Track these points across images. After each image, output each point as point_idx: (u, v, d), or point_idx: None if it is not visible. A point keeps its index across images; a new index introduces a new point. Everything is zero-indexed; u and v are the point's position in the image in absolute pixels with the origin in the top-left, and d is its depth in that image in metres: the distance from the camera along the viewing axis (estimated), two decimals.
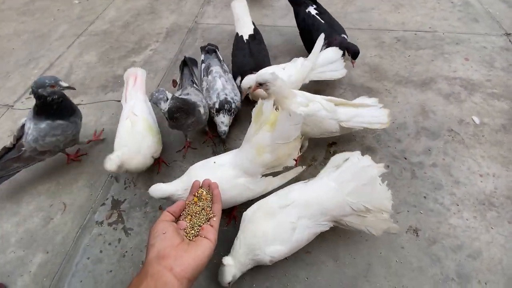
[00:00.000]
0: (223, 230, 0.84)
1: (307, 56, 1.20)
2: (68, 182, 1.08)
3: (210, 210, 0.73)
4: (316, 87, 1.28)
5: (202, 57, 1.32)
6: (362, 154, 0.84)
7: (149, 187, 1.03)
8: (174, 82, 1.38)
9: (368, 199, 0.76)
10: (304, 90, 1.05)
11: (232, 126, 1.15)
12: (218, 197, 0.75)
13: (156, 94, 0.93)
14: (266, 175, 0.88)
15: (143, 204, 1.00)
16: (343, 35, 1.32)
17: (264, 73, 0.93)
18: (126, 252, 0.89)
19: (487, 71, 1.40)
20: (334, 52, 1.24)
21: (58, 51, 1.70)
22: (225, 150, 1.11)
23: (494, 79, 1.36)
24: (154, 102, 0.93)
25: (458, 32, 1.64)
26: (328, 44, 1.25)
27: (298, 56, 1.30)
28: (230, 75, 1.25)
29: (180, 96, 1.00)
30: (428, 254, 0.85)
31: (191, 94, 1.05)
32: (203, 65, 1.28)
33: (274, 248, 0.74)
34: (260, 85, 0.93)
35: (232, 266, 0.74)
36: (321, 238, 0.87)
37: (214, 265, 0.84)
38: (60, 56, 1.67)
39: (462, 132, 1.15)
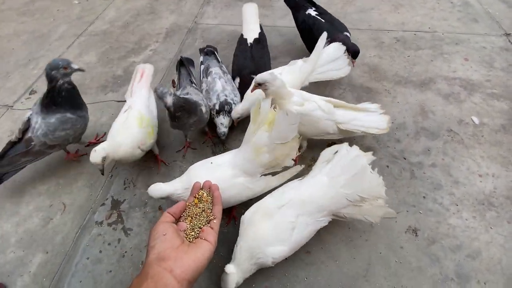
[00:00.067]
0: (223, 231, 0.84)
1: (308, 56, 1.18)
2: (68, 182, 1.08)
3: (210, 212, 0.73)
4: (316, 86, 1.28)
5: (201, 58, 1.32)
6: (370, 164, 0.84)
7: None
8: (174, 82, 1.39)
9: (362, 188, 0.78)
10: (304, 90, 1.05)
11: (232, 126, 1.15)
12: (218, 199, 0.75)
13: (161, 88, 0.92)
14: (265, 175, 0.88)
15: (142, 205, 1.00)
16: (345, 33, 1.31)
17: (264, 73, 0.93)
18: (126, 252, 0.89)
19: (487, 71, 1.40)
20: (336, 49, 1.21)
21: (58, 51, 1.70)
22: (225, 151, 1.11)
23: (494, 79, 1.36)
24: (160, 97, 0.92)
25: (457, 32, 1.64)
26: (330, 42, 1.24)
27: (297, 57, 1.30)
28: (230, 76, 1.25)
29: (181, 96, 0.99)
30: (427, 254, 0.85)
31: (192, 94, 1.05)
32: (202, 66, 1.28)
33: (275, 248, 0.74)
34: (259, 85, 0.93)
35: (235, 274, 0.73)
36: (320, 239, 0.88)
37: (214, 266, 0.84)
38: (60, 56, 1.67)
39: (461, 132, 1.15)
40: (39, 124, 0.97)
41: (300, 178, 0.85)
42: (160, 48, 1.67)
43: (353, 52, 1.22)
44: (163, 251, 0.59)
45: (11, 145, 0.99)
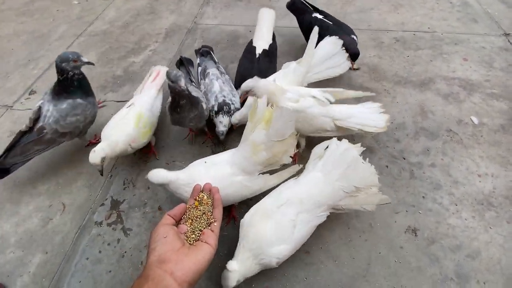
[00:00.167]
0: (223, 233, 0.84)
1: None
2: (68, 182, 1.08)
3: (211, 215, 0.73)
4: (314, 86, 1.28)
5: (198, 60, 1.31)
6: (361, 154, 0.85)
7: (148, 187, 1.04)
8: None
9: (356, 179, 0.80)
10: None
11: (231, 128, 1.15)
12: (219, 201, 0.75)
13: (175, 71, 0.91)
14: (263, 173, 0.88)
15: (142, 205, 1.00)
16: (352, 36, 1.29)
17: (246, 81, 0.97)
18: (125, 252, 0.89)
19: (486, 71, 1.41)
20: (331, 44, 1.18)
21: (58, 51, 1.70)
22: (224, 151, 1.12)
23: (493, 79, 1.36)
24: (174, 80, 0.91)
25: (457, 33, 1.64)
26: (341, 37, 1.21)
27: (298, 57, 1.29)
28: (227, 76, 1.23)
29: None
30: (427, 254, 0.85)
31: (192, 91, 1.05)
32: (199, 68, 1.27)
33: (278, 248, 0.74)
34: (247, 93, 0.97)
35: (237, 272, 0.73)
36: (320, 238, 0.88)
37: (214, 267, 0.84)
38: None
39: (460, 132, 1.15)
40: (50, 111, 1.00)
41: (295, 178, 0.86)
42: (160, 48, 1.67)
43: (352, 54, 1.21)
44: (163, 254, 0.59)
45: (22, 134, 1.00)
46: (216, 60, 1.30)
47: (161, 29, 1.81)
